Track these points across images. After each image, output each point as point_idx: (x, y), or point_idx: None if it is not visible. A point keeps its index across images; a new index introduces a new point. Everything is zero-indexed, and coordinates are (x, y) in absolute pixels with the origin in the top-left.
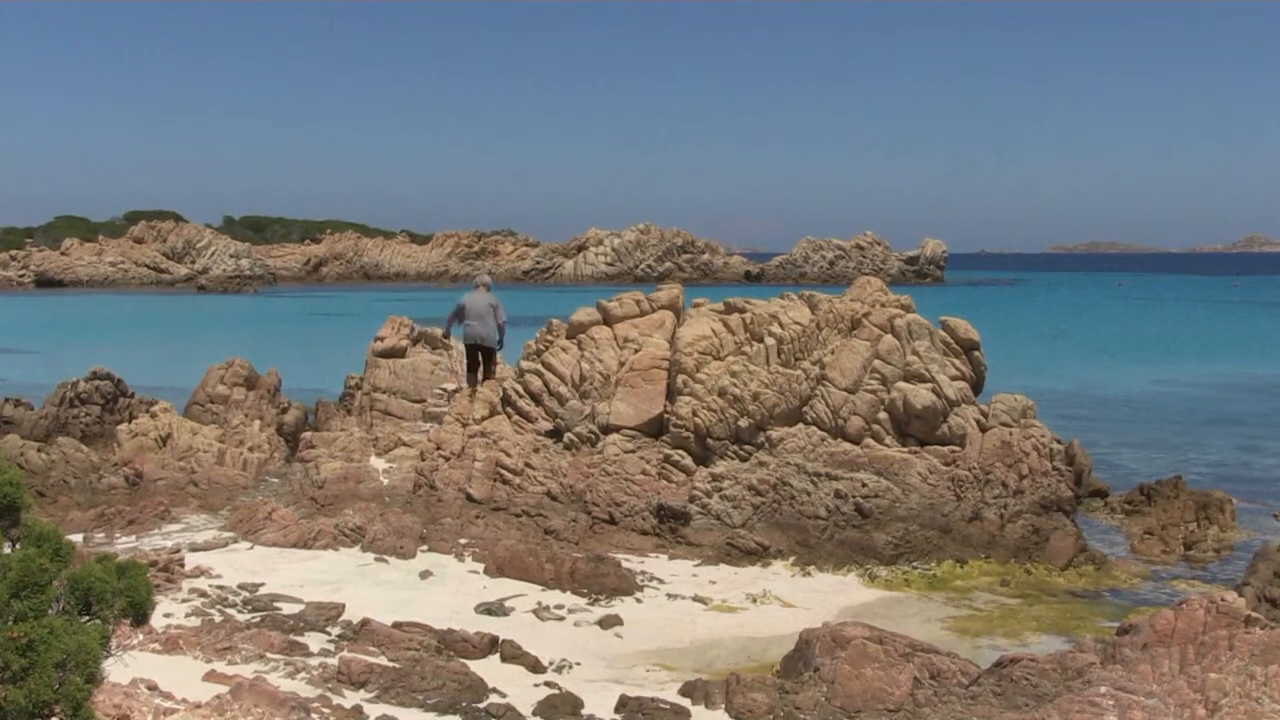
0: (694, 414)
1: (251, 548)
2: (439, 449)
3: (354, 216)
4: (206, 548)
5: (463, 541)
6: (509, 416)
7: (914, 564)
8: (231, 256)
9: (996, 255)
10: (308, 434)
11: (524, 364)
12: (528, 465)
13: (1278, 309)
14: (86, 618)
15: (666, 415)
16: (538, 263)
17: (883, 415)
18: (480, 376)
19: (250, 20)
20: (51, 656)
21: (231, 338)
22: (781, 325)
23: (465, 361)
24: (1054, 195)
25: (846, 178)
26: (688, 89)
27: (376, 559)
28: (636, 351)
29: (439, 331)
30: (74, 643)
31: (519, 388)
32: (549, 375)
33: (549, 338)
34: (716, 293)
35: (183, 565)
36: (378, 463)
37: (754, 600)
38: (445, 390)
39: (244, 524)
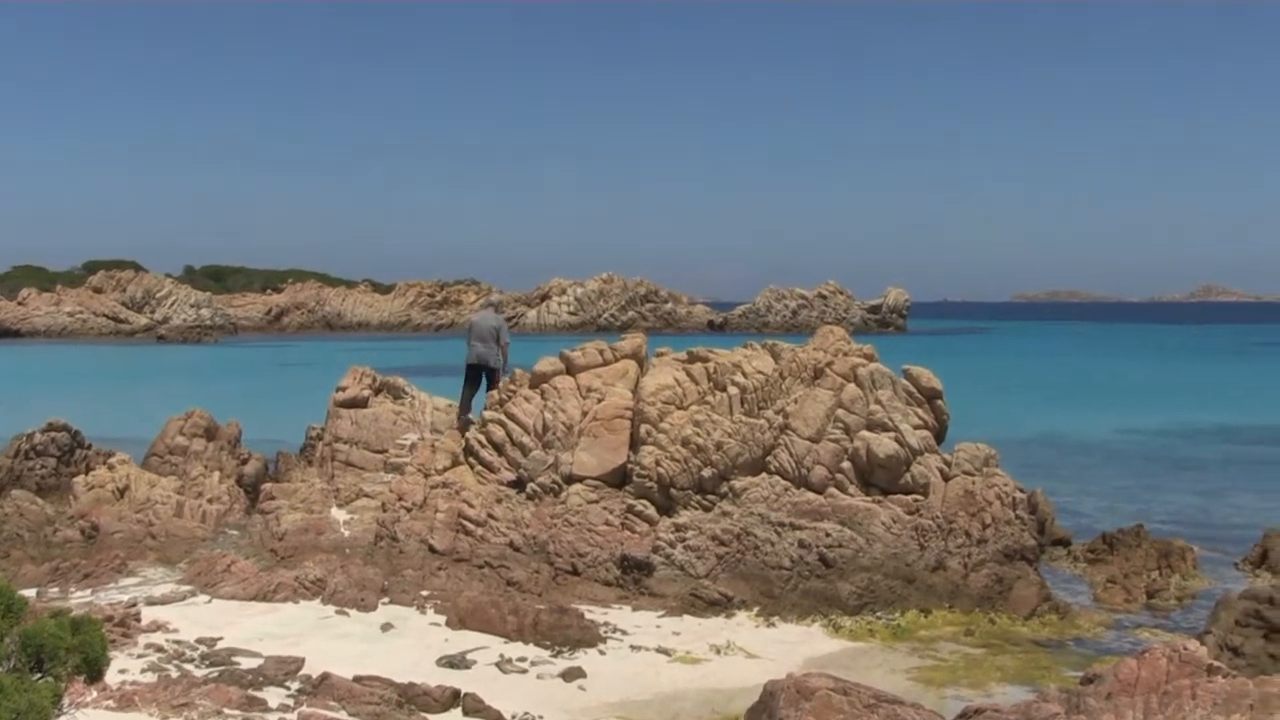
0: (657, 464)
1: (210, 601)
2: (401, 500)
3: (316, 266)
4: (164, 601)
5: (424, 593)
6: (472, 467)
7: (878, 614)
8: (192, 306)
9: (959, 304)
10: (268, 485)
11: (487, 414)
12: (490, 516)
13: (1235, 356)
14: (38, 675)
15: (630, 465)
16: (500, 311)
17: (846, 465)
18: (480, 395)
19: (211, 67)
20: (1, 716)
21: (191, 388)
22: (745, 374)
23: (465, 384)
24: (1015, 244)
25: (809, 227)
26: (653, 135)
27: (337, 611)
28: (600, 401)
29: (401, 381)
30: (24, 701)
31: (482, 438)
32: (512, 425)
33: (512, 387)
34: (680, 342)
35: (139, 620)
36: (339, 514)
37: (718, 651)
38: (407, 441)
39: (202, 577)
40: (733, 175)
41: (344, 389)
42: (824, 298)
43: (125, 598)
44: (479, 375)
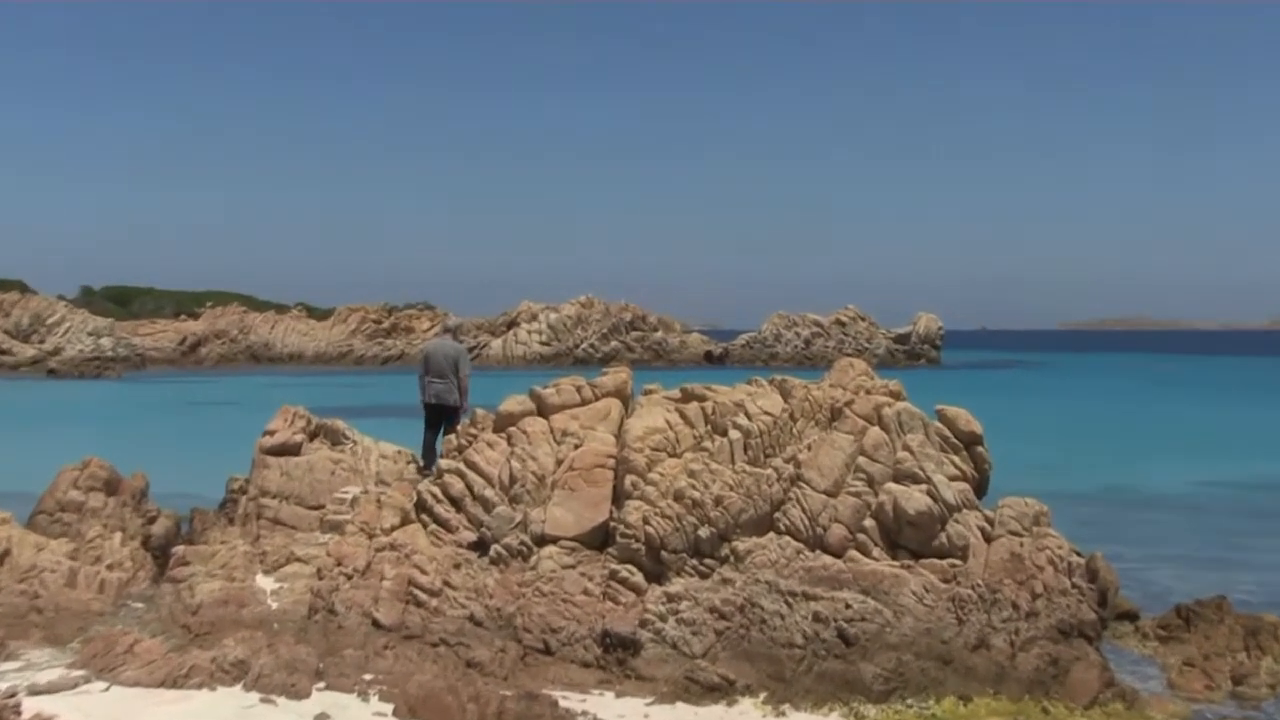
0: (645, 521)
1: (108, 688)
2: (340, 565)
3: (240, 286)
4: (51, 690)
5: (368, 677)
6: (424, 526)
7: (908, 701)
8: (90, 334)
9: (1000, 333)
10: (180, 548)
11: (443, 463)
12: (447, 584)
13: None
14: None
15: (613, 523)
16: (461, 341)
17: (869, 523)
18: (439, 445)
19: (107, 57)
20: None
21: (89, 432)
22: (749, 416)
23: (426, 427)
24: (1062, 263)
25: (825, 243)
26: (635, 139)
27: (262, 699)
28: (577, 447)
29: (340, 424)
30: None
31: (437, 491)
32: (473, 476)
33: (473, 431)
34: (672, 377)
35: (19, 713)
36: (265, 582)
37: None
38: (348, 495)
39: (99, 659)
40: (731, 185)
41: (272, 433)
42: (842, 325)
43: (3, 686)
44: (438, 417)
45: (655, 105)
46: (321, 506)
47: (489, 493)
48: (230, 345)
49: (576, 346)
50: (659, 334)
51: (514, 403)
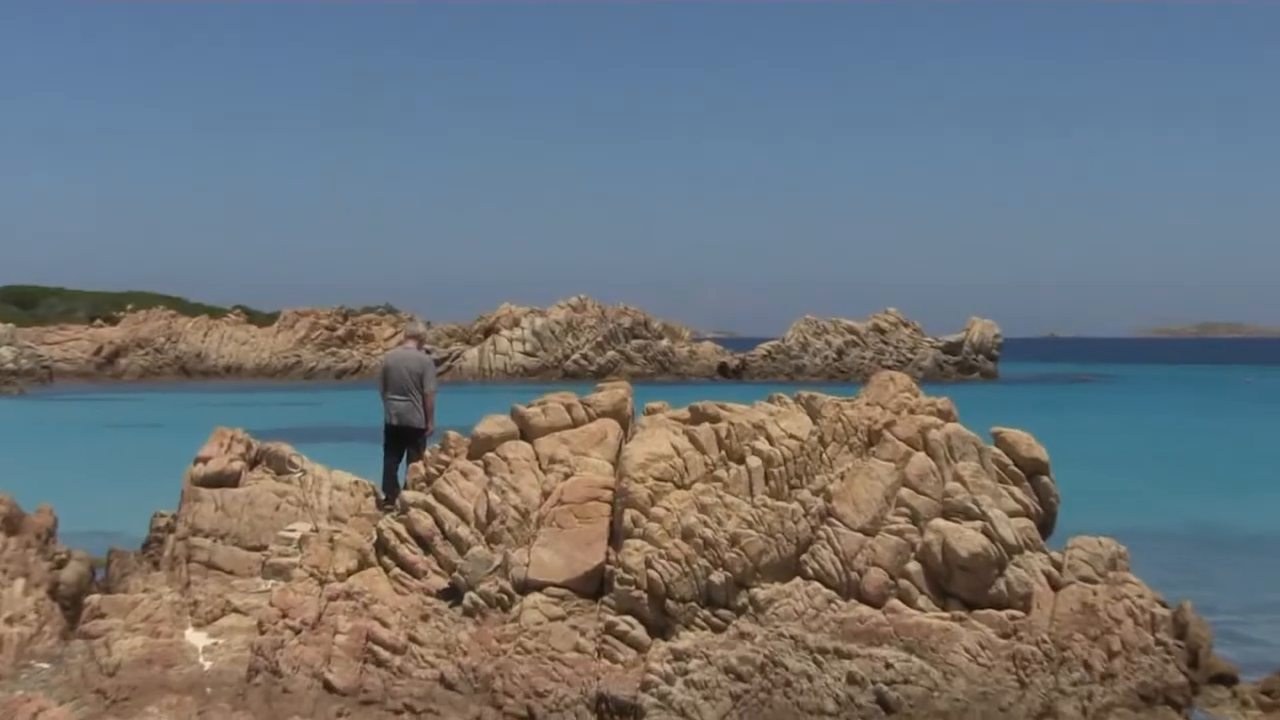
0: (648, 565)
1: None
2: (286, 617)
3: (166, 287)
4: None
5: None
6: (386, 570)
7: None
8: None
9: (1072, 341)
10: (95, 597)
11: (408, 495)
12: (413, 639)
13: None
14: None
15: (609, 567)
16: (429, 351)
17: (913, 566)
18: (403, 474)
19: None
20: None
21: None
22: (770, 440)
23: (385, 452)
24: (1146, 260)
25: (860, 236)
26: (634, 115)
27: None
28: (567, 477)
29: (287, 449)
30: None
31: (400, 529)
32: (443, 511)
33: (444, 458)
34: (680, 393)
35: None
36: (197, 637)
37: None
38: (295, 533)
39: None
40: (749, 170)
41: (205, 460)
42: (881, 332)
43: None
44: (404, 441)
45: (660, 75)
46: (264, 547)
47: (462, 530)
48: (155, 356)
49: (567, 357)
50: (664, 343)
51: (492, 424)
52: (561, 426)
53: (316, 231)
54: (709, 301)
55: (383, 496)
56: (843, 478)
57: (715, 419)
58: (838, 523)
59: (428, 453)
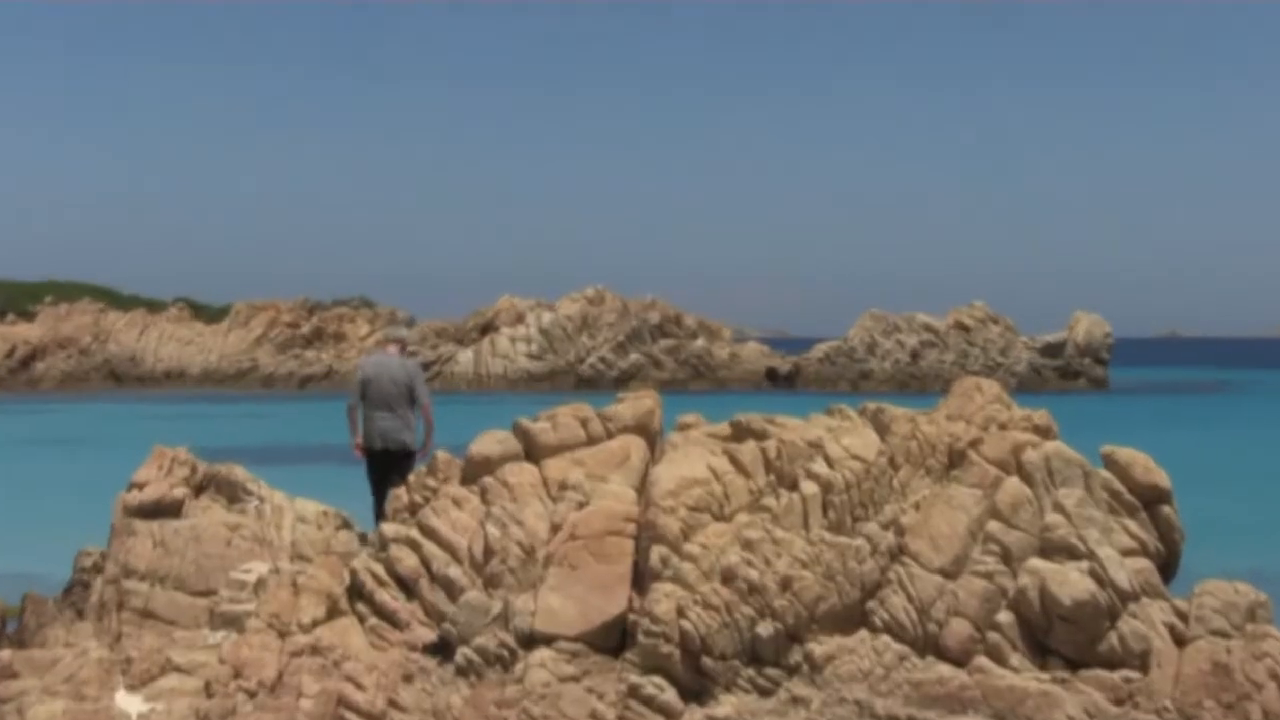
0: (680, 613)
1: None
2: (239, 677)
3: (95, 275)
4: None
5: None
6: (361, 620)
7: None
8: None
9: (1198, 341)
10: (5, 653)
11: (388, 529)
12: (393, 704)
13: None
14: None
15: (633, 616)
16: (414, 353)
17: (1005, 617)
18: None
19: None
20: None
21: None
22: (829, 461)
23: (370, 478)
24: None
25: (936, 216)
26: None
27: None
28: (581, 506)
29: (240, 473)
30: None
31: (379, 570)
32: (431, 547)
33: (432, 483)
34: (719, 405)
35: None
36: (130, 702)
37: None
38: (251, 575)
39: None
40: (803, 139)
41: (141, 486)
42: (965, 330)
43: None
44: (389, 467)
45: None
46: (213, 592)
47: (454, 571)
48: (80, 359)
49: (581, 361)
50: (700, 343)
51: (491, 441)
52: (575, 445)
53: (276, 208)
54: (753, 294)
55: (364, 532)
56: (918, 508)
57: (762, 436)
58: (912, 562)
59: (412, 477)
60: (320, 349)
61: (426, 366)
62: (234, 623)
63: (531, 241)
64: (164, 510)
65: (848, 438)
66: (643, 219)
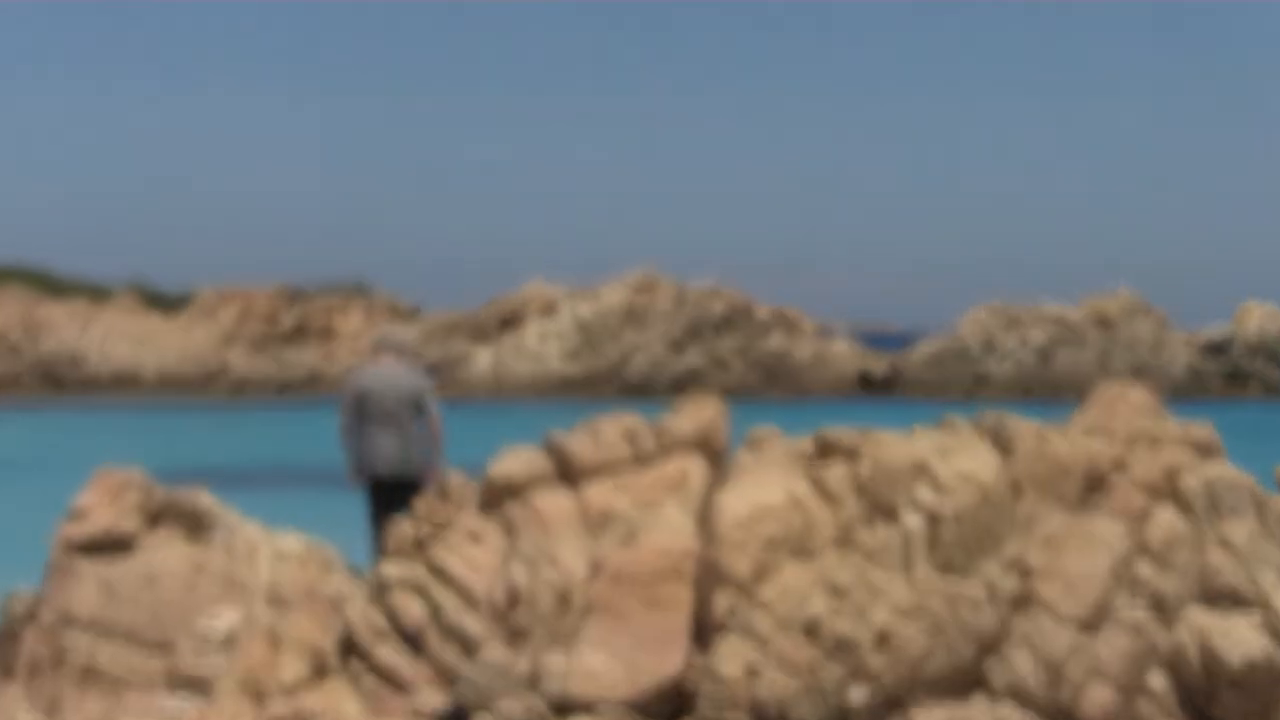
0: (752, 674)
1: None
2: None
3: (23, 255)
4: None
5: None
6: (355, 680)
7: None
8: None
9: None
10: None
11: (388, 569)
12: None
13: None
14: None
15: (692, 678)
16: (420, 354)
17: (1156, 680)
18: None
19: None
20: None
21: None
22: (938, 486)
23: (368, 509)
24: None
25: (1067, 187)
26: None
27: None
28: (629, 542)
29: (206, 501)
30: None
31: (378, 619)
32: (442, 592)
33: (443, 512)
34: (800, 415)
35: None
36: None
37: None
38: (220, 626)
39: None
40: (889, 90)
41: (84, 514)
42: (1106, 324)
43: None
44: (391, 503)
45: None
46: (172, 646)
47: (470, 622)
48: (7, 359)
49: (627, 362)
50: (776, 339)
51: (516, 461)
52: (620, 465)
53: (250, 171)
54: (842, 278)
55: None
56: (1048, 544)
57: (853, 454)
58: (1040, 612)
59: (418, 504)
60: (304, 346)
61: (435, 370)
62: (198, 685)
63: (565, 212)
64: (112, 545)
65: (960, 458)
66: (703, 183)
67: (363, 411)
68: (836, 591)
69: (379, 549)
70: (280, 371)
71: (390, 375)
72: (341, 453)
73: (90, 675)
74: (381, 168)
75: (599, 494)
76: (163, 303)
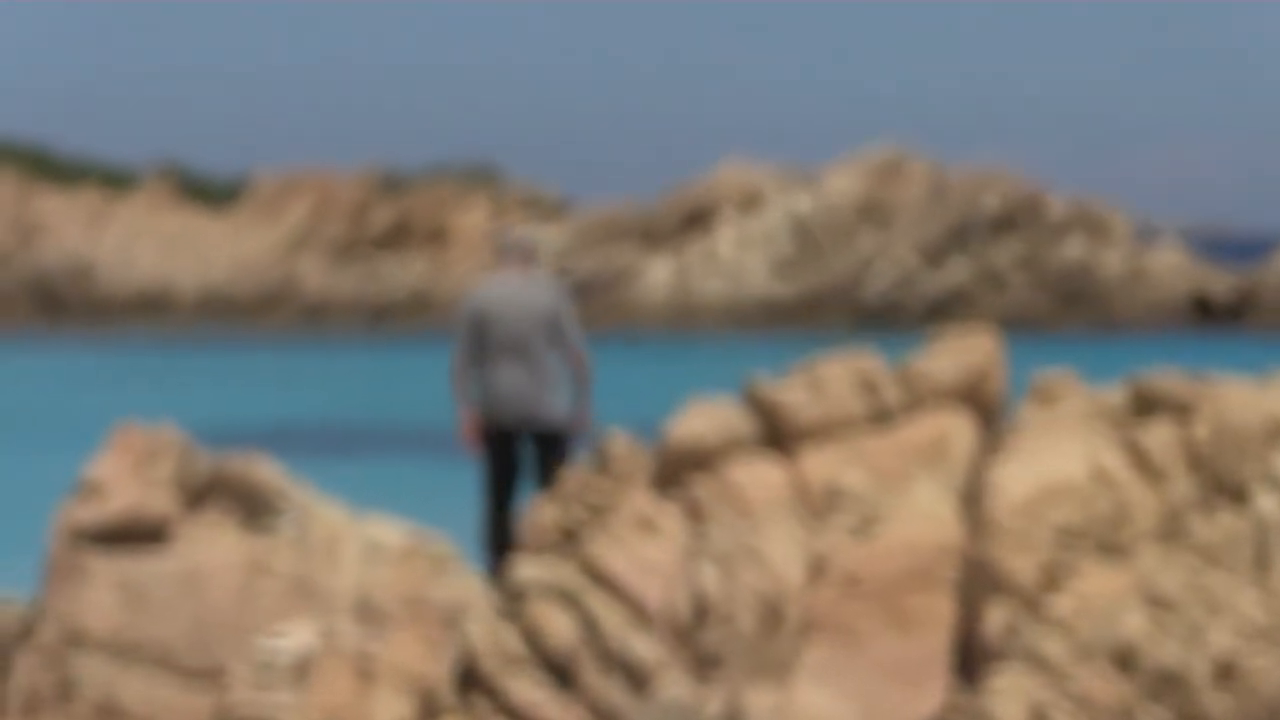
0: (1039, 717)
1: None
2: None
3: (17, 128)
4: None
5: None
6: None
7: None
8: None
9: None
10: None
11: (528, 571)
12: None
13: None
14: None
15: (957, 711)
16: (568, 267)
17: None
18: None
19: None
20: None
21: None
22: None
23: (486, 477)
24: None
25: None
26: None
27: None
28: (865, 533)
29: (266, 473)
30: None
31: (509, 639)
32: (599, 603)
33: (603, 488)
34: (1109, 354)
35: None
36: None
37: None
38: (286, 645)
39: None
40: None
41: (97, 490)
42: None
43: None
44: (519, 454)
45: None
46: (222, 673)
47: (640, 645)
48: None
49: (862, 278)
50: (1076, 247)
51: (705, 418)
52: (852, 425)
53: (325, 20)
54: (1169, 157)
55: (481, 567)
56: None
57: (1185, 411)
58: None
59: (572, 474)
60: (405, 255)
61: (588, 286)
62: None
63: (774, 67)
64: (137, 534)
65: None
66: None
67: (483, 341)
68: (1159, 603)
69: (494, 518)
70: (371, 291)
71: (519, 291)
72: (454, 402)
73: (109, 714)
74: (515, 15)
75: (822, 465)
76: (206, 193)
